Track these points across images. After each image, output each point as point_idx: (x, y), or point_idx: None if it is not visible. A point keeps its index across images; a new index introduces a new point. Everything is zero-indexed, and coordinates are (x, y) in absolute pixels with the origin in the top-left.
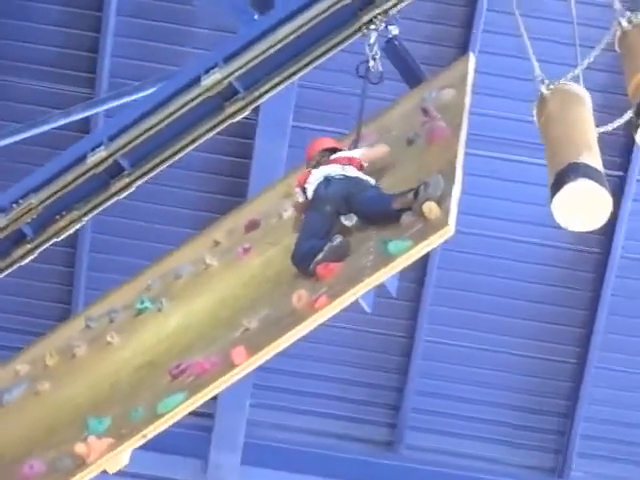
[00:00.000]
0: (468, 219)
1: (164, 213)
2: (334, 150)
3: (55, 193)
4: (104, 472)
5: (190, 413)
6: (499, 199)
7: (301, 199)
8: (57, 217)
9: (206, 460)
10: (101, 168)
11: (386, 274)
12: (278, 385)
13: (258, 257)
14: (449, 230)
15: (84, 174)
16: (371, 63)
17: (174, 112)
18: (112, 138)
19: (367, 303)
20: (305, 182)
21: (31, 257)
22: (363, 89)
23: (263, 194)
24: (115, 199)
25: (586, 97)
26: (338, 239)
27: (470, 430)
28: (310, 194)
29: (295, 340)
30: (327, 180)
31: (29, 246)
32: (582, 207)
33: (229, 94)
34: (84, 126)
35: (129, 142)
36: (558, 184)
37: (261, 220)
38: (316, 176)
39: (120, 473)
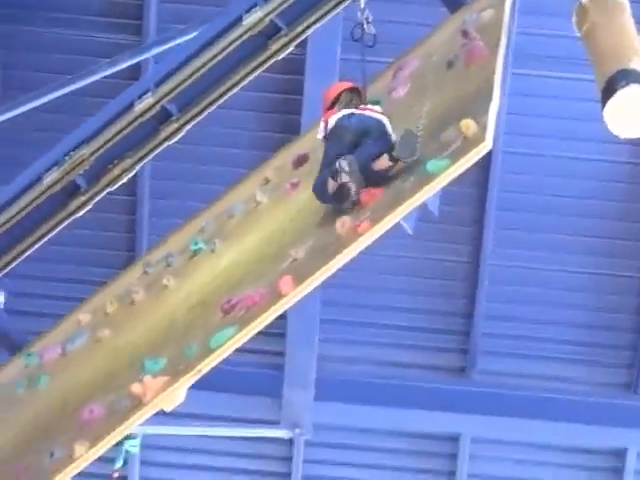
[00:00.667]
0: (524, 140)
1: (220, 155)
2: (356, 91)
3: (106, 143)
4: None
5: (261, 352)
6: (551, 118)
7: (321, 134)
8: (109, 167)
9: (279, 398)
10: (149, 115)
11: (426, 194)
12: (346, 319)
13: (305, 191)
14: (486, 146)
15: (133, 122)
16: (364, 26)
17: (218, 54)
18: (158, 84)
19: (409, 225)
20: (328, 125)
21: (86, 208)
22: (362, 52)
23: (311, 129)
24: (165, 145)
25: (627, 5)
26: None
27: (542, 351)
28: (330, 126)
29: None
30: (352, 113)
31: (83, 198)
32: (635, 113)
33: (271, 32)
34: (134, 74)
35: (175, 87)
36: (609, 91)
37: (309, 154)
38: (342, 113)
39: (197, 416)
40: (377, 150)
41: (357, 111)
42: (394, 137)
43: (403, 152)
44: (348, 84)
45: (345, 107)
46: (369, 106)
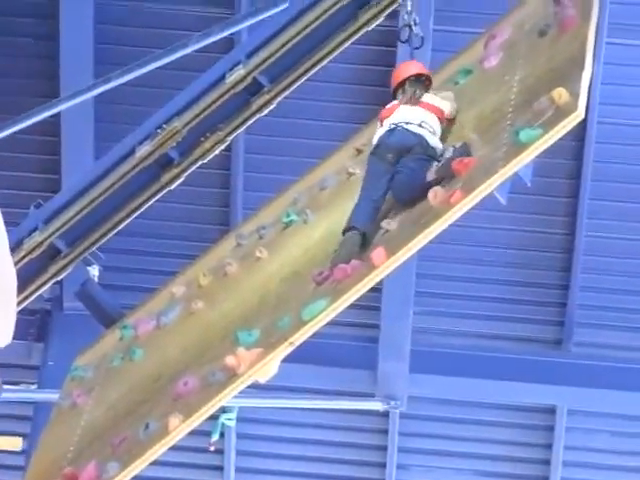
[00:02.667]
0: (618, 110)
1: (311, 127)
2: (423, 77)
3: (198, 115)
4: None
5: (356, 325)
6: None
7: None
8: (201, 139)
9: (374, 371)
10: (241, 87)
11: (518, 163)
12: (440, 291)
13: None
14: (579, 115)
15: (224, 94)
16: (412, 29)
17: (309, 25)
18: (249, 56)
19: (502, 196)
20: (386, 119)
21: (179, 181)
22: (411, 55)
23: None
24: (257, 117)
25: None
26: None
27: (639, 322)
28: (376, 139)
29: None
30: (392, 130)
31: (176, 170)
32: None
33: (363, 1)
34: (227, 47)
35: (266, 58)
36: None
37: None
38: (392, 119)
39: (292, 389)
40: (416, 166)
41: (401, 124)
42: (439, 146)
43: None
44: (416, 68)
45: (408, 101)
46: (426, 100)
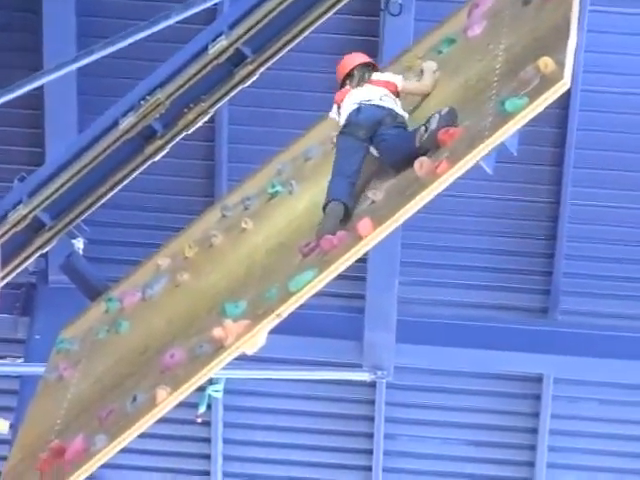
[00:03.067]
0: (602, 77)
1: (295, 98)
2: (370, 65)
3: (181, 86)
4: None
5: (342, 295)
6: (630, 55)
7: (337, 118)
8: (185, 110)
9: (361, 341)
10: (224, 57)
11: (505, 133)
12: (426, 261)
13: None
14: (565, 84)
15: (207, 65)
16: None
17: None
18: (232, 26)
19: (489, 165)
20: (341, 102)
21: (163, 153)
22: (383, 20)
23: (385, 69)
24: (240, 87)
25: None
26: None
27: (624, 290)
28: (343, 120)
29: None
30: (359, 108)
31: (160, 142)
32: None
33: None
34: (209, 18)
35: (249, 29)
36: None
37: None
38: (352, 99)
39: (279, 360)
40: (397, 131)
41: (364, 102)
42: (406, 115)
43: (445, 121)
44: (361, 58)
45: (357, 84)
46: (377, 77)
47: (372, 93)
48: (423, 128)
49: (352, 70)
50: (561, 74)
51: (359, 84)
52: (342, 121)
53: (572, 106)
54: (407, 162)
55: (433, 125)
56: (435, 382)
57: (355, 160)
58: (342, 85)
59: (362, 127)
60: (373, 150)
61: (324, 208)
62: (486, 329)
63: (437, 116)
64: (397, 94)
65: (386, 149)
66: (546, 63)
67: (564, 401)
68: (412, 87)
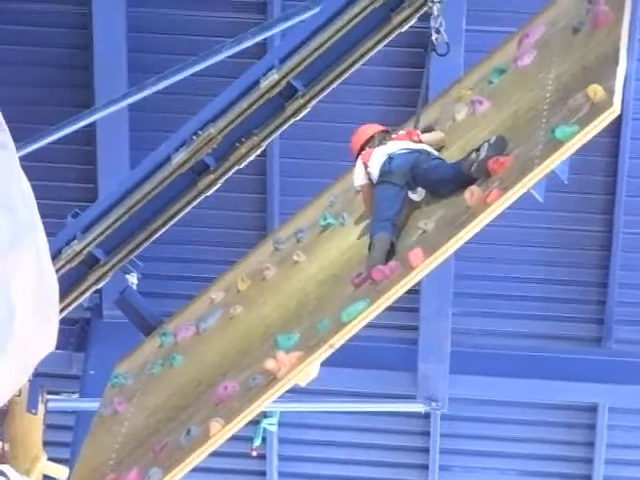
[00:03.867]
0: None
1: (346, 131)
2: (386, 132)
3: (233, 121)
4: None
5: (395, 327)
6: None
7: (365, 181)
8: (237, 144)
9: (415, 372)
10: (275, 91)
11: (555, 161)
12: (479, 291)
13: None
14: (614, 111)
15: (259, 99)
16: (434, 36)
17: (342, 28)
18: (283, 60)
19: (539, 194)
20: (368, 161)
21: (215, 187)
22: (427, 62)
23: (436, 101)
24: (291, 121)
25: None
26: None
27: None
28: (375, 175)
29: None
30: (390, 158)
31: (212, 176)
32: None
33: (396, 2)
34: (259, 52)
35: (300, 62)
36: None
37: (435, 126)
38: (379, 155)
39: (333, 393)
40: (438, 163)
41: (393, 150)
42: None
43: (494, 149)
44: (375, 127)
45: (379, 144)
46: (397, 134)
47: (398, 145)
48: (474, 155)
49: (370, 138)
50: (610, 101)
51: (381, 144)
52: (375, 175)
53: (623, 134)
54: (456, 190)
55: (482, 154)
56: (489, 413)
57: (396, 204)
58: (359, 153)
59: (398, 173)
60: (413, 195)
61: (369, 246)
62: (540, 359)
63: (486, 145)
64: (420, 141)
65: (434, 181)
66: (595, 91)
67: (619, 430)
68: (430, 138)
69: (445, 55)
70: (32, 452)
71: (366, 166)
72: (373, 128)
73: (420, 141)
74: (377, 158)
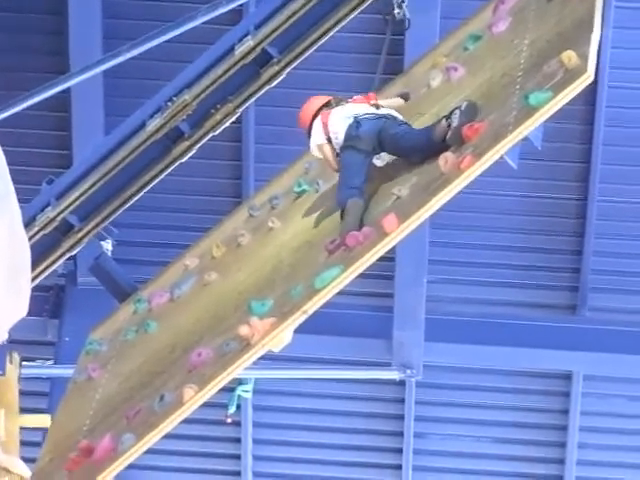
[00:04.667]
0: (629, 74)
1: None
2: (340, 99)
3: (208, 87)
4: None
5: (370, 294)
6: None
7: (323, 141)
8: (212, 111)
9: (390, 340)
10: (250, 58)
11: (528, 127)
12: (454, 259)
13: None
14: (589, 77)
15: (234, 65)
16: (396, 11)
17: None
18: (258, 27)
19: (513, 160)
20: (328, 121)
21: (190, 154)
22: (386, 37)
23: (412, 68)
24: (266, 88)
25: None
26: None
27: None
28: (341, 139)
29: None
30: (357, 121)
31: (187, 143)
32: None
33: None
34: (234, 19)
35: (275, 29)
36: None
37: (410, 92)
38: (341, 116)
39: (308, 360)
40: (407, 129)
41: (358, 113)
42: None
43: (466, 116)
44: (322, 99)
45: (337, 105)
46: (355, 97)
47: (360, 108)
48: (444, 122)
49: (326, 103)
50: (585, 67)
51: (339, 105)
52: (340, 139)
53: (599, 102)
54: (428, 157)
55: (455, 121)
56: (464, 380)
57: (362, 171)
58: (313, 119)
59: (365, 139)
60: (376, 161)
61: (341, 213)
62: (515, 327)
63: (457, 112)
64: (377, 105)
65: (405, 148)
66: (569, 56)
67: (593, 398)
68: (389, 103)
69: (406, 30)
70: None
71: (325, 125)
72: (325, 97)
73: (378, 105)
74: (339, 120)
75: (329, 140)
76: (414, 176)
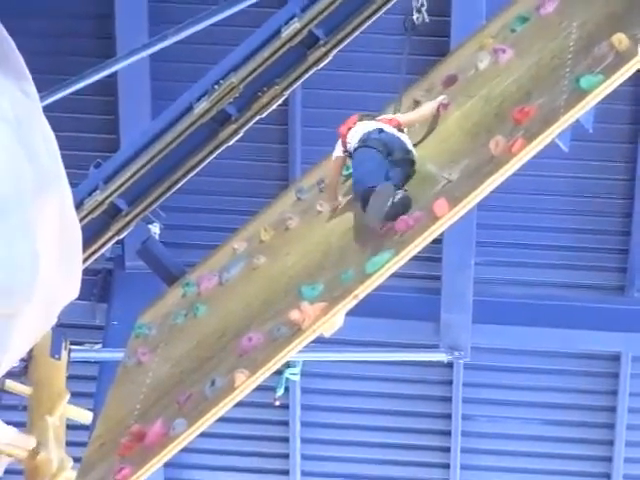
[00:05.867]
0: None
1: (368, 80)
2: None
3: (254, 70)
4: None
5: (418, 277)
6: None
7: (339, 154)
8: (259, 94)
9: (438, 322)
10: (297, 40)
11: (580, 111)
12: (502, 240)
13: (456, 111)
14: (639, 60)
15: (280, 48)
16: (415, 16)
17: None
18: (304, 9)
19: (564, 143)
20: (347, 134)
21: (237, 137)
22: (406, 42)
23: (459, 49)
24: (313, 70)
25: None
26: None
27: None
28: (354, 144)
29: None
30: (381, 129)
31: (234, 126)
32: None
33: None
34: (282, 1)
35: (321, 11)
36: None
37: (458, 74)
38: (366, 126)
39: (356, 342)
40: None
41: (386, 128)
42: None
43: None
44: (351, 120)
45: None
46: (381, 117)
47: (374, 125)
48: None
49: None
50: (636, 50)
51: (363, 120)
52: (354, 144)
53: None
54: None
55: (386, 208)
56: (512, 362)
57: (381, 173)
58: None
59: (382, 144)
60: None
61: (364, 204)
62: (562, 308)
63: (391, 201)
64: (399, 127)
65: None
66: (620, 39)
67: None
68: (415, 116)
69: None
70: (55, 395)
71: (344, 137)
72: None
73: (400, 128)
74: (362, 129)
75: (346, 152)
76: (464, 159)
